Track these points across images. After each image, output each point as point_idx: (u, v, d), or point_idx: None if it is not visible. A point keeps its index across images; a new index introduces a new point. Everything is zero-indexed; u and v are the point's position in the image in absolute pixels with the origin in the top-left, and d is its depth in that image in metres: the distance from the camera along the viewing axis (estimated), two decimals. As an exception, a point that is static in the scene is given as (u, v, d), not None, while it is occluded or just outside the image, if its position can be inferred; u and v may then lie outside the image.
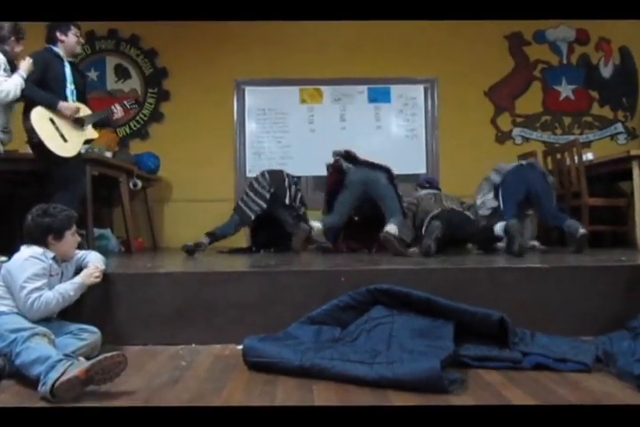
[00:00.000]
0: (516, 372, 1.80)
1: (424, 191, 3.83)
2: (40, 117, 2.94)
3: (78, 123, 3.10)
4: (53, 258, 2.02)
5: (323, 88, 5.14)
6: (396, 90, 5.15)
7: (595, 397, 1.55)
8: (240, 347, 1.95)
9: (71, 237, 2.09)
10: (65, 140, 3.00)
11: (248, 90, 5.16)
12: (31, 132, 2.92)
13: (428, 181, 4.06)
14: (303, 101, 5.17)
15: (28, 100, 2.97)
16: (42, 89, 3.00)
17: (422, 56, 5.06)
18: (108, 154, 4.08)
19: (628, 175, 3.74)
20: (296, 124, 5.10)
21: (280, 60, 5.04)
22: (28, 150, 3.56)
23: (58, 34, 3.10)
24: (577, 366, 1.80)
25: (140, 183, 4.19)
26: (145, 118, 5.13)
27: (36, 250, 1.99)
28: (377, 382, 1.65)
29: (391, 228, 3.28)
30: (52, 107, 2.97)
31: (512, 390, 1.61)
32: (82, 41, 3.24)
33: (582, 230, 3.20)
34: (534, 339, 2.02)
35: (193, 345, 2.22)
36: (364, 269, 2.44)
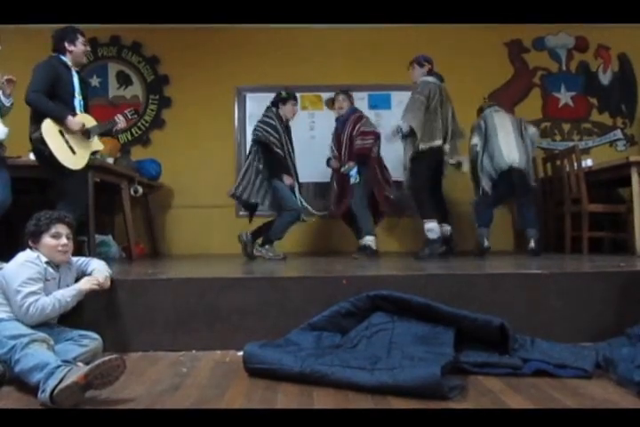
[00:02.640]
0: (516, 378, 1.80)
1: (429, 78, 3.84)
2: (50, 129, 2.95)
3: (85, 134, 3.12)
4: (48, 262, 2.02)
5: (323, 95, 5.15)
6: (396, 96, 5.16)
7: (595, 403, 1.55)
8: (241, 353, 1.96)
9: (50, 239, 2.04)
10: (73, 153, 3.02)
11: (249, 96, 5.19)
12: (41, 143, 2.92)
13: (427, 60, 3.98)
14: (304, 108, 5.18)
15: (36, 108, 2.97)
16: (50, 99, 2.99)
17: (422, 63, 5.08)
18: (110, 160, 4.09)
19: (627, 182, 3.75)
20: (297, 131, 5.07)
21: (281, 67, 5.06)
22: (30, 157, 3.58)
23: (66, 44, 3.10)
24: (577, 373, 1.80)
25: (141, 190, 4.20)
26: (146, 125, 5.15)
27: (30, 254, 2.00)
28: (377, 388, 1.65)
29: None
30: (59, 120, 2.98)
31: (512, 397, 1.62)
32: (89, 49, 3.24)
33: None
34: (534, 345, 2.02)
35: (193, 352, 2.23)
36: (365, 276, 2.45)
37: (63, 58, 3.11)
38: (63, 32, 3.11)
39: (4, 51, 3.13)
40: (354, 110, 4.24)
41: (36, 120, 2.97)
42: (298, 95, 5.12)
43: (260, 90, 5.15)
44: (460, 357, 1.88)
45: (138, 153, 4.98)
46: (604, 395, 1.63)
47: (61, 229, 2.08)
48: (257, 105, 5.16)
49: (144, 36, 5.07)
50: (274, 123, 3.94)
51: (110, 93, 5.15)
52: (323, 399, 1.62)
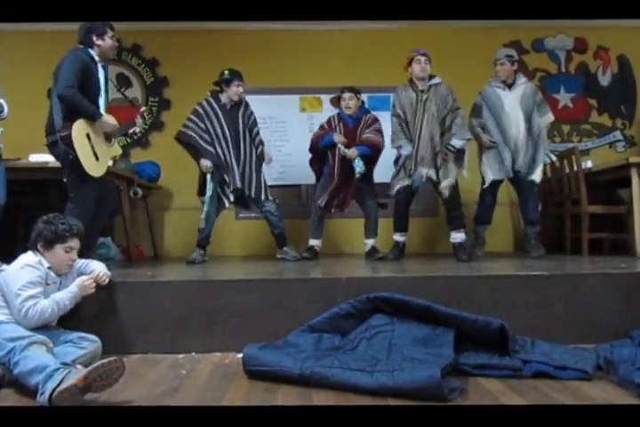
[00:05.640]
0: (517, 380, 1.80)
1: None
2: (79, 133, 2.75)
3: (108, 138, 2.98)
4: (50, 267, 2.01)
5: (323, 97, 5.16)
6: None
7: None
8: (240, 355, 1.96)
9: (62, 252, 2.02)
10: (97, 159, 2.86)
11: (248, 98, 5.15)
12: (68, 146, 2.71)
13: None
14: (303, 110, 5.19)
15: (70, 105, 2.73)
16: None
17: (421, 65, 5.09)
18: (109, 162, 4.09)
19: (626, 183, 3.75)
20: (296, 133, 5.12)
21: (280, 69, 5.07)
22: (30, 159, 3.58)
23: (94, 38, 2.91)
24: (577, 374, 1.80)
25: (140, 192, 4.19)
26: (146, 127, 5.15)
27: (31, 258, 1.99)
28: (377, 390, 1.65)
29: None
30: (93, 119, 2.80)
31: (512, 398, 1.61)
32: (117, 45, 3.10)
33: None
34: (534, 347, 2.02)
35: (193, 354, 2.22)
36: (365, 277, 2.44)
37: (91, 51, 2.91)
38: (92, 24, 2.93)
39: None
40: (366, 111, 4.07)
41: (66, 118, 2.74)
42: (297, 97, 5.19)
43: (259, 92, 5.14)
44: (459, 358, 1.88)
45: (137, 155, 4.98)
46: (604, 397, 1.62)
47: (75, 243, 2.07)
48: (256, 107, 5.16)
49: (144, 38, 5.08)
50: (199, 109, 3.77)
51: (110, 96, 5.15)
52: (323, 401, 1.61)
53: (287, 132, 5.17)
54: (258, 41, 5.08)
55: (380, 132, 3.94)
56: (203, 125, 3.71)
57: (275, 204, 3.80)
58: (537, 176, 3.75)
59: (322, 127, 4.08)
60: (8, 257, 2.15)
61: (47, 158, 3.61)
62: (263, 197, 3.76)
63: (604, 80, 5.22)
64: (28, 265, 1.96)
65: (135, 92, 5.17)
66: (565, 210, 4.19)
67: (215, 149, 3.68)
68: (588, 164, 4.30)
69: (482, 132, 3.82)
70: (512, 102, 3.76)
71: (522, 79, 3.84)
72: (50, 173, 3.47)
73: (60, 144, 2.72)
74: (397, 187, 3.60)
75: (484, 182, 3.86)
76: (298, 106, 5.20)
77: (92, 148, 2.84)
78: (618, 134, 5.20)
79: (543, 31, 5.17)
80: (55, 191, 4.12)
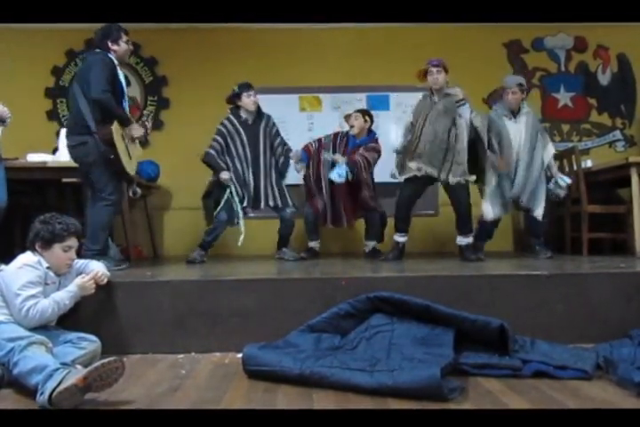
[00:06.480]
0: (516, 379, 1.80)
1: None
2: (117, 133, 2.86)
3: (133, 139, 3.07)
4: (49, 267, 2.01)
5: (322, 96, 5.15)
6: (394, 98, 5.16)
7: (595, 404, 1.55)
8: (240, 355, 1.95)
9: (61, 251, 2.02)
10: (130, 157, 2.99)
11: (248, 98, 5.18)
12: (109, 146, 2.80)
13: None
14: (303, 109, 5.19)
15: (105, 109, 2.81)
16: None
17: (421, 63, 5.09)
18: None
19: (626, 182, 3.75)
20: (296, 132, 5.10)
21: (279, 68, 5.06)
22: (28, 159, 3.58)
23: (109, 43, 2.95)
24: (577, 374, 1.80)
25: (139, 191, 4.17)
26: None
27: (30, 258, 1.99)
28: (377, 390, 1.65)
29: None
30: (125, 124, 2.93)
31: (512, 398, 1.61)
32: (132, 48, 3.13)
33: None
34: (534, 346, 2.02)
35: (193, 354, 2.22)
36: (364, 277, 2.44)
37: (110, 56, 2.94)
38: (106, 30, 2.97)
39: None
40: (372, 138, 4.07)
41: (100, 120, 2.82)
42: (297, 96, 5.18)
43: (258, 91, 5.12)
44: (459, 358, 1.88)
45: (136, 154, 4.97)
46: (603, 396, 1.62)
47: (73, 242, 2.07)
48: (256, 106, 5.16)
49: (142, 37, 5.05)
50: (221, 128, 3.83)
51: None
52: (322, 401, 1.61)
53: (287, 132, 5.10)
54: (257, 40, 5.07)
55: (363, 155, 3.90)
56: (224, 144, 3.81)
57: (294, 208, 3.84)
58: (539, 213, 3.68)
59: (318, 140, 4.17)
60: (6, 257, 2.14)
61: (45, 158, 3.62)
62: (284, 204, 3.81)
63: (604, 79, 5.22)
64: (28, 265, 1.96)
65: (134, 91, 5.15)
66: (565, 209, 4.19)
67: (235, 165, 3.79)
68: (588, 163, 4.30)
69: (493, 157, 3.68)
70: (517, 131, 3.68)
71: (526, 108, 3.76)
72: (48, 172, 3.47)
73: (96, 144, 2.80)
74: (405, 174, 3.58)
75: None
76: (297, 105, 5.19)
77: (126, 146, 2.96)
78: (617, 134, 5.20)
79: (543, 30, 5.16)
80: (53, 191, 4.12)
